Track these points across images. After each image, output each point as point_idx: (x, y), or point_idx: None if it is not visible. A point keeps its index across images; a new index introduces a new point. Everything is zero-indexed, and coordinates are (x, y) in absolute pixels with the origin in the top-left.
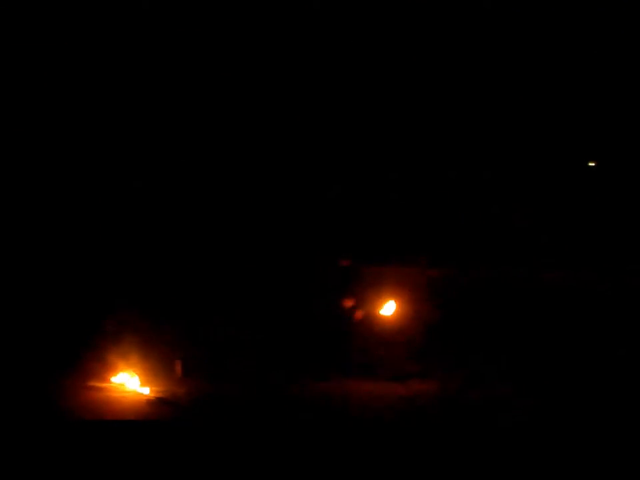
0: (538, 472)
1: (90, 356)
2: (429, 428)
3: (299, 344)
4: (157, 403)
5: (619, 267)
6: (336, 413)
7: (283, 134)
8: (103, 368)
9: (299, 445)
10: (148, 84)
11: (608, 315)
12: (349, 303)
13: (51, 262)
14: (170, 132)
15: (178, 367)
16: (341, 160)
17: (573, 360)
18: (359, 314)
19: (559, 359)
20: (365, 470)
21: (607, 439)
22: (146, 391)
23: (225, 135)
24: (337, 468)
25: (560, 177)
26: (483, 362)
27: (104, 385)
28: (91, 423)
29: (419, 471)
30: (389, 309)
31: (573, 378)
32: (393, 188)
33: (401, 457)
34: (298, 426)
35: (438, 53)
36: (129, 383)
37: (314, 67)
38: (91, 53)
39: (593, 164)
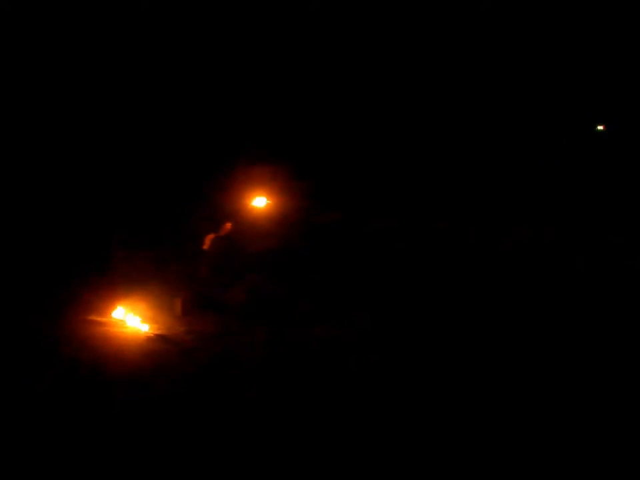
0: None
1: (91, 290)
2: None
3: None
4: (156, 340)
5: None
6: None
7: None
8: (103, 303)
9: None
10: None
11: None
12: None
13: (53, 195)
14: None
15: (178, 306)
16: None
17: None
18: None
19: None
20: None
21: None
22: (145, 327)
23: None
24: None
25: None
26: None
27: (104, 319)
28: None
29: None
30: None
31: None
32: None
33: None
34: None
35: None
36: (129, 318)
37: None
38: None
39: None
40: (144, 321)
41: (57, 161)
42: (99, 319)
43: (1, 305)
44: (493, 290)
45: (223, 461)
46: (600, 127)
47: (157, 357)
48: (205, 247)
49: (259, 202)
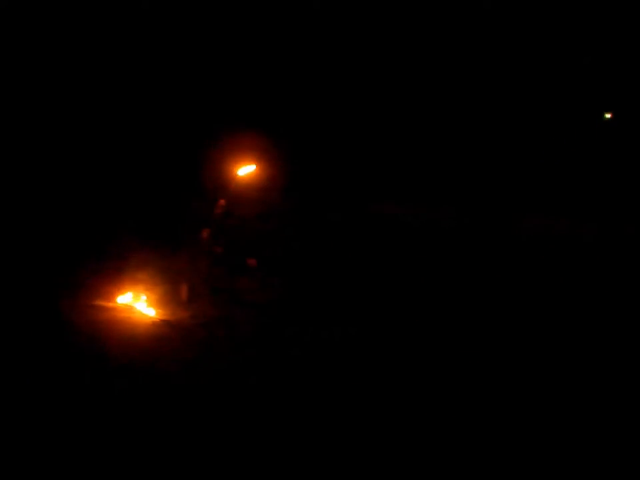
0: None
1: (97, 275)
2: None
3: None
4: (161, 325)
5: None
6: None
7: None
8: (110, 288)
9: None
10: None
11: None
12: None
13: (59, 181)
14: None
15: (183, 292)
16: None
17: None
18: None
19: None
20: None
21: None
22: (151, 312)
23: None
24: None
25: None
26: None
27: (110, 304)
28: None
29: None
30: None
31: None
32: None
33: None
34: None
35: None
36: (136, 304)
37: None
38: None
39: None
40: (150, 306)
41: (64, 154)
42: (105, 304)
43: (7, 291)
44: (505, 280)
45: (221, 446)
46: (608, 115)
47: (162, 341)
48: (204, 235)
49: (246, 170)
